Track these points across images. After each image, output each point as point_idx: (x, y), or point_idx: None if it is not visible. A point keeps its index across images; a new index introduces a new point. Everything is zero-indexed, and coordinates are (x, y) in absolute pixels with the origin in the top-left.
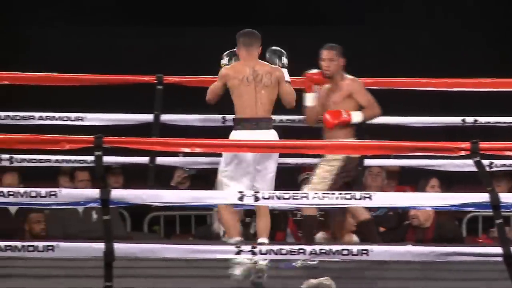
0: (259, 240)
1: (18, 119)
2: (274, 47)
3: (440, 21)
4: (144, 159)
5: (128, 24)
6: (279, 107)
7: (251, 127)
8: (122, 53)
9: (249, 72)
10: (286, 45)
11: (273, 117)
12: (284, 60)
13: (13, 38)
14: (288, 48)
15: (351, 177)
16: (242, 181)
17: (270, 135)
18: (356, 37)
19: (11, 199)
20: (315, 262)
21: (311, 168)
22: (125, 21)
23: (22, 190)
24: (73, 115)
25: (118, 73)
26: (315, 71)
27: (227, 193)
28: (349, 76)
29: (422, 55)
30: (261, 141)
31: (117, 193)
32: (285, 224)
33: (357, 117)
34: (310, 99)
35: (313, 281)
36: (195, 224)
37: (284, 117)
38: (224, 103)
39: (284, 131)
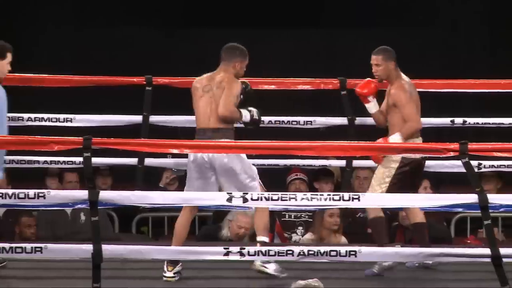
0: (257, 239)
1: (8, 120)
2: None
3: (429, 22)
4: (133, 160)
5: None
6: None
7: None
8: (116, 53)
9: (203, 83)
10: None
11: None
12: (253, 112)
13: (3, 39)
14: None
15: (410, 179)
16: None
17: None
18: (348, 39)
19: None
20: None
21: (299, 169)
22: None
23: (10, 191)
24: (62, 116)
25: (114, 74)
26: (364, 81)
27: (215, 195)
28: (402, 80)
29: (412, 56)
30: (249, 142)
31: (105, 195)
32: (272, 226)
33: (395, 140)
34: (370, 108)
35: (301, 282)
36: None
37: (273, 119)
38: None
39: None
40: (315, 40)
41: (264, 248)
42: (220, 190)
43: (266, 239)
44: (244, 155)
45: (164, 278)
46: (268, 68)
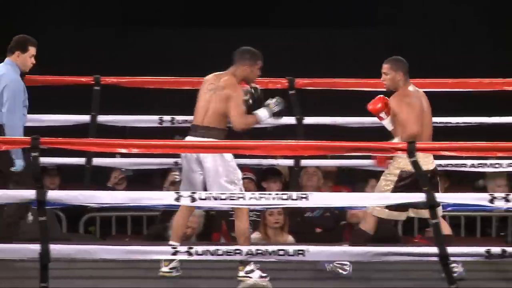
0: None
1: None
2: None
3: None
4: (81, 160)
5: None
6: None
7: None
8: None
9: (209, 83)
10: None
11: None
12: (274, 106)
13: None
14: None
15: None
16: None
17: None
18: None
19: None
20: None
21: (248, 168)
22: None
23: None
24: None
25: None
26: (375, 99)
27: (163, 194)
28: (406, 90)
29: (374, 56)
30: (196, 142)
31: (53, 194)
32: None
33: None
34: (387, 126)
35: (249, 282)
36: (131, 225)
37: None
38: (161, 103)
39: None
40: (269, 39)
41: (212, 248)
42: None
43: (242, 248)
44: (230, 158)
45: (160, 273)
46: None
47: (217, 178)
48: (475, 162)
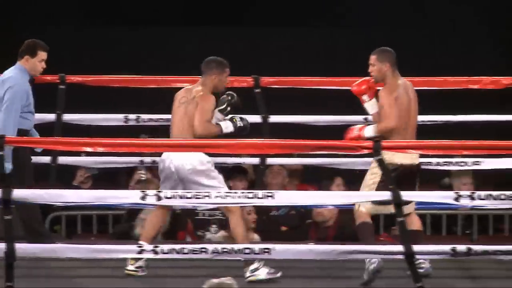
0: None
1: None
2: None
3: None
4: (46, 159)
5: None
6: None
7: None
8: None
9: (181, 96)
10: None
11: None
12: (239, 120)
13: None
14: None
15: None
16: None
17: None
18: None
19: None
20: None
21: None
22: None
23: None
24: None
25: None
26: (360, 80)
27: (129, 193)
28: (394, 82)
29: (336, 55)
30: (164, 140)
31: (18, 193)
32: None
33: (368, 132)
34: (367, 109)
35: (214, 280)
36: (97, 224)
37: None
38: (127, 101)
39: None
40: (241, 38)
41: (178, 246)
42: None
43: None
44: (209, 167)
45: (126, 271)
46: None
47: (197, 178)
48: (441, 160)
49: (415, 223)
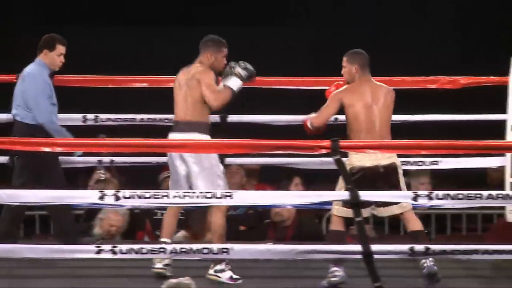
0: None
1: None
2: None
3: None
4: (3, 159)
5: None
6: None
7: (172, 129)
8: None
9: (181, 78)
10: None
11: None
12: (237, 69)
13: None
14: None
15: (366, 187)
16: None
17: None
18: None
19: None
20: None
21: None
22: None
23: None
24: None
25: None
26: (334, 84)
27: (87, 193)
28: (357, 83)
29: (288, 54)
30: (122, 140)
31: None
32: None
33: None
34: None
35: (172, 280)
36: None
37: (146, 116)
38: (87, 101)
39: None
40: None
41: (136, 246)
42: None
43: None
44: (212, 157)
45: (154, 270)
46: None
47: (202, 172)
48: (398, 160)
49: (414, 223)
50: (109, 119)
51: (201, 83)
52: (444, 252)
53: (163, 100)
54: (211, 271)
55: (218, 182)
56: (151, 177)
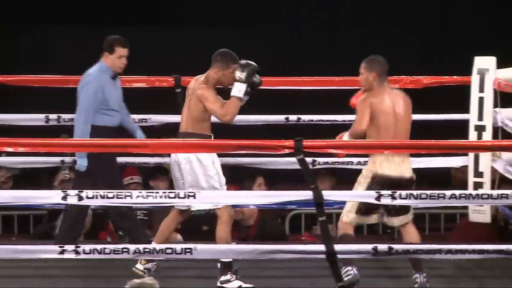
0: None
1: None
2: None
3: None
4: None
5: None
6: None
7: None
8: None
9: (190, 86)
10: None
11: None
12: (236, 74)
13: None
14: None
15: None
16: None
17: None
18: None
19: None
20: None
21: (133, 169)
22: None
23: None
24: None
25: None
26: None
27: (50, 193)
28: (380, 90)
29: (247, 54)
30: (84, 140)
31: None
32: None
33: (345, 138)
34: None
35: (136, 280)
36: (18, 224)
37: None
38: (49, 102)
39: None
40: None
41: (99, 246)
42: None
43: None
44: (208, 163)
45: (134, 269)
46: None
47: (194, 183)
48: (362, 159)
49: (412, 235)
50: (71, 120)
51: (204, 101)
52: (407, 251)
53: (125, 100)
54: (218, 284)
55: (211, 183)
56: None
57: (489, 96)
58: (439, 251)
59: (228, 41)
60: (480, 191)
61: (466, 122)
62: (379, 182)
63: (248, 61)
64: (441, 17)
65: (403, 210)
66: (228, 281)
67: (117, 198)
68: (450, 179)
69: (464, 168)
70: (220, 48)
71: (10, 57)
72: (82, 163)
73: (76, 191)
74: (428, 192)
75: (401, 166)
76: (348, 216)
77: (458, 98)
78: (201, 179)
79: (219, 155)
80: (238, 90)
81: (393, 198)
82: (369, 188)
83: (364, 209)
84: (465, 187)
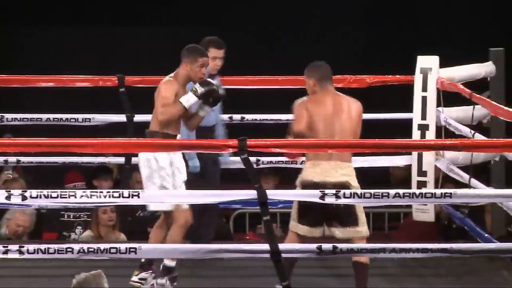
0: (164, 262)
1: None
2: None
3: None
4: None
5: None
6: None
7: None
8: None
9: None
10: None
11: None
12: (196, 85)
13: None
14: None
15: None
16: None
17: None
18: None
19: None
20: None
21: (75, 172)
22: None
23: None
24: None
25: None
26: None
27: None
28: (318, 95)
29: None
30: (28, 140)
31: None
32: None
33: None
34: None
35: (82, 275)
36: None
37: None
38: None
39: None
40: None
41: (43, 246)
42: None
43: (171, 263)
44: (165, 164)
45: (130, 282)
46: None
47: (147, 183)
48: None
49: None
50: (15, 119)
51: (157, 96)
52: (351, 250)
53: (69, 99)
54: (134, 278)
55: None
56: (59, 176)
57: (432, 95)
58: (383, 250)
59: (171, 41)
60: (423, 190)
61: (409, 121)
62: (304, 188)
63: (211, 81)
64: (385, 16)
65: (349, 219)
66: (145, 279)
67: (61, 197)
68: (389, 177)
69: (406, 167)
70: (167, 47)
71: None
72: (194, 164)
73: (19, 191)
74: (372, 191)
75: (328, 172)
76: (293, 225)
77: (402, 97)
78: (154, 177)
79: None
80: (187, 99)
81: (337, 197)
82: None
83: (309, 218)
84: (404, 184)
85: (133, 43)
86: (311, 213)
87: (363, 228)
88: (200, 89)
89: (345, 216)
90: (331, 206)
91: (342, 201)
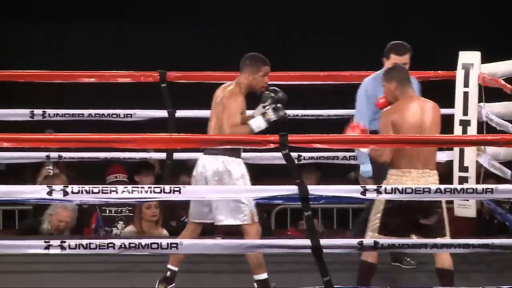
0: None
1: None
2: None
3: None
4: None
5: None
6: None
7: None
8: None
9: (217, 95)
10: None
11: None
12: (269, 112)
13: None
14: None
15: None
16: None
17: (209, 161)
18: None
19: None
20: None
21: (117, 166)
22: None
23: None
24: None
25: None
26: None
27: (35, 188)
28: (407, 101)
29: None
30: (70, 135)
31: None
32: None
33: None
34: None
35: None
36: (3, 219)
37: (93, 112)
38: (34, 97)
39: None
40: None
41: (85, 242)
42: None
43: (262, 276)
44: (239, 175)
45: None
46: (89, 61)
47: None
48: (347, 154)
49: (445, 262)
50: (57, 115)
51: (224, 110)
52: (392, 246)
53: (109, 95)
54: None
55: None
56: (100, 172)
57: (474, 91)
58: (424, 246)
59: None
60: (465, 186)
61: (451, 117)
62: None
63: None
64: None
65: (438, 230)
66: None
67: (103, 193)
68: None
69: (446, 161)
70: (206, 44)
71: None
72: (365, 169)
73: (61, 186)
74: (414, 186)
75: (417, 180)
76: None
77: (443, 93)
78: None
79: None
80: (258, 126)
81: (379, 192)
82: (387, 209)
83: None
84: (446, 180)
85: (172, 39)
86: (397, 224)
87: (444, 235)
88: (272, 116)
89: (435, 226)
90: (421, 216)
91: (383, 196)
